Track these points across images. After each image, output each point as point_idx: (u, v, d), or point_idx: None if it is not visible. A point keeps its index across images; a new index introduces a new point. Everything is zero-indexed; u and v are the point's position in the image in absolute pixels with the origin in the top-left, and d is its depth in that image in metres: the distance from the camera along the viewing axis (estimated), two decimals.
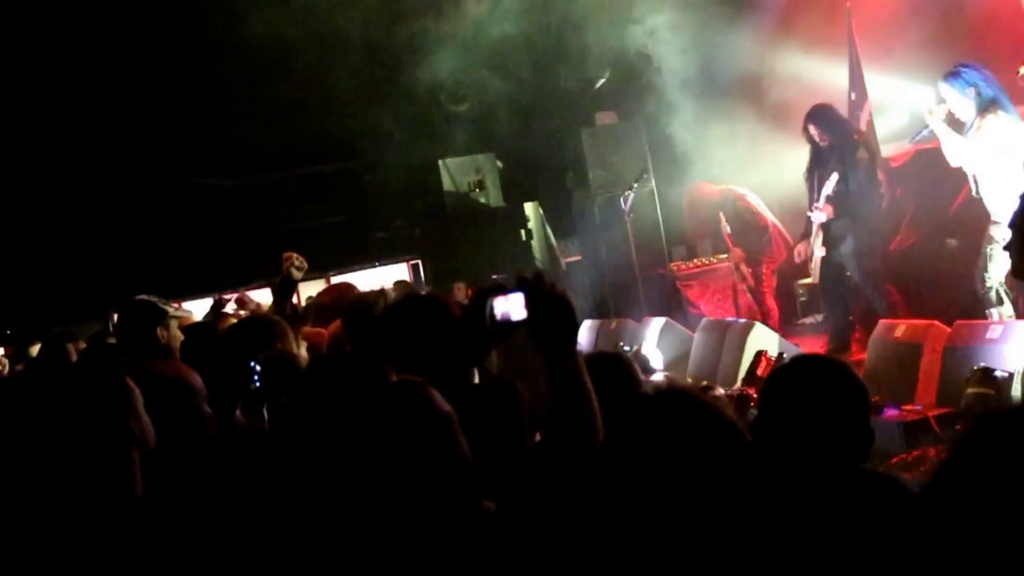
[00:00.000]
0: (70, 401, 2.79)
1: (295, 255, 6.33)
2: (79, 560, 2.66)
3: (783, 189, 12.15)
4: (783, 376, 3.14)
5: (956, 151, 8.10)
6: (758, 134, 12.56)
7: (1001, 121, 7.82)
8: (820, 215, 9.85)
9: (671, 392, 2.67)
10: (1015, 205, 5.81)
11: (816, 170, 9.99)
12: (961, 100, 7.96)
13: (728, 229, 12.43)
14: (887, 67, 11.81)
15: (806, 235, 10.25)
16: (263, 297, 12.30)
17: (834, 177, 9.64)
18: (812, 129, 9.91)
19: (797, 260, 10.61)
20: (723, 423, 2.48)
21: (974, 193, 8.15)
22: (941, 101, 8.15)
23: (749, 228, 12.38)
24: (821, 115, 9.98)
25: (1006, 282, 7.87)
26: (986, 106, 7.88)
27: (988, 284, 7.97)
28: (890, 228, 10.15)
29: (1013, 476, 1.55)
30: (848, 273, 10.01)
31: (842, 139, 9.94)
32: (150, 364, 5.04)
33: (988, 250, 7.88)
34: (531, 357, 2.99)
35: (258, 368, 4.09)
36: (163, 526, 2.81)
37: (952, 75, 8.03)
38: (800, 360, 3.26)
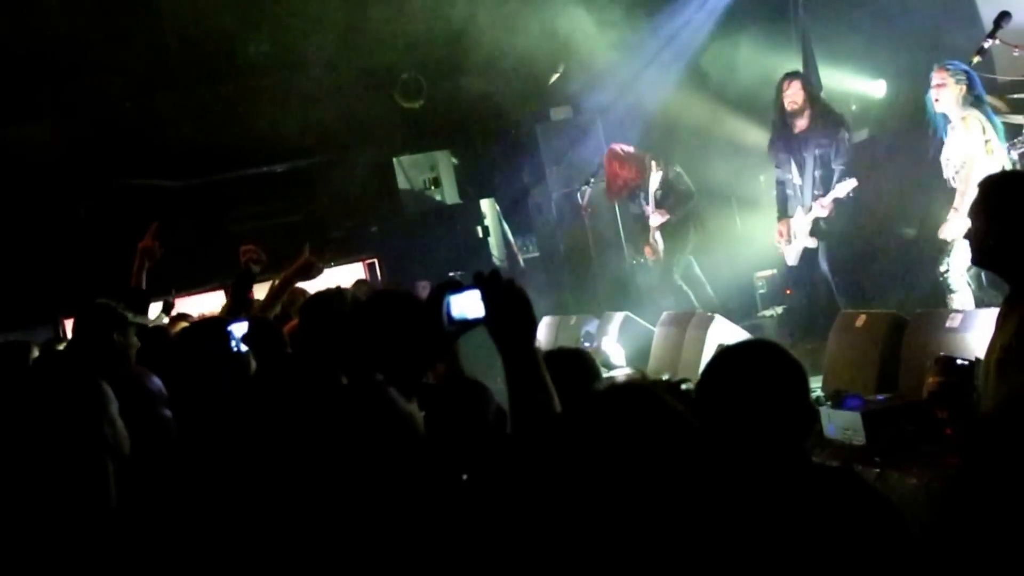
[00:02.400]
0: (45, 408, 2.74)
1: (253, 248, 6.20)
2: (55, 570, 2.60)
3: (734, 174, 12.11)
4: (715, 366, 3.08)
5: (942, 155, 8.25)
6: (715, 122, 12.53)
7: (984, 119, 7.97)
8: (821, 211, 9.56)
9: (622, 387, 2.65)
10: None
11: (791, 149, 9.82)
12: (952, 91, 8.05)
13: (656, 191, 11.72)
14: (839, 59, 11.82)
15: (784, 214, 10.03)
16: (218, 300, 12.18)
17: (851, 183, 9.36)
18: (796, 91, 9.68)
19: (779, 240, 10.20)
20: (676, 418, 2.44)
21: (948, 178, 8.23)
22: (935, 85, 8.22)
23: (678, 195, 11.68)
24: (806, 78, 9.84)
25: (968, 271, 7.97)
26: (973, 102, 8.02)
27: (949, 270, 8.05)
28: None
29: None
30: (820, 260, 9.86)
31: (826, 113, 9.78)
32: (108, 369, 4.93)
33: (950, 239, 7.98)
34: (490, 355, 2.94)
35: (236, 333, 4.05)
36: (136, 536, 2.75)
37: (949, 63, 8.13)
38: (731, 348, 3.21)
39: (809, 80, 9.92)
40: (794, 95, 9.70)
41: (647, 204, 11.81)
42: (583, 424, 2.45)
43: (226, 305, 6.24)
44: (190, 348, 4.29)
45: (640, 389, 2.55)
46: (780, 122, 9.93)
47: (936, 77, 8.12)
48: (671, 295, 11.58)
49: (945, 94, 8.09)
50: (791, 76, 9.87)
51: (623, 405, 2.42)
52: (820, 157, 9.63)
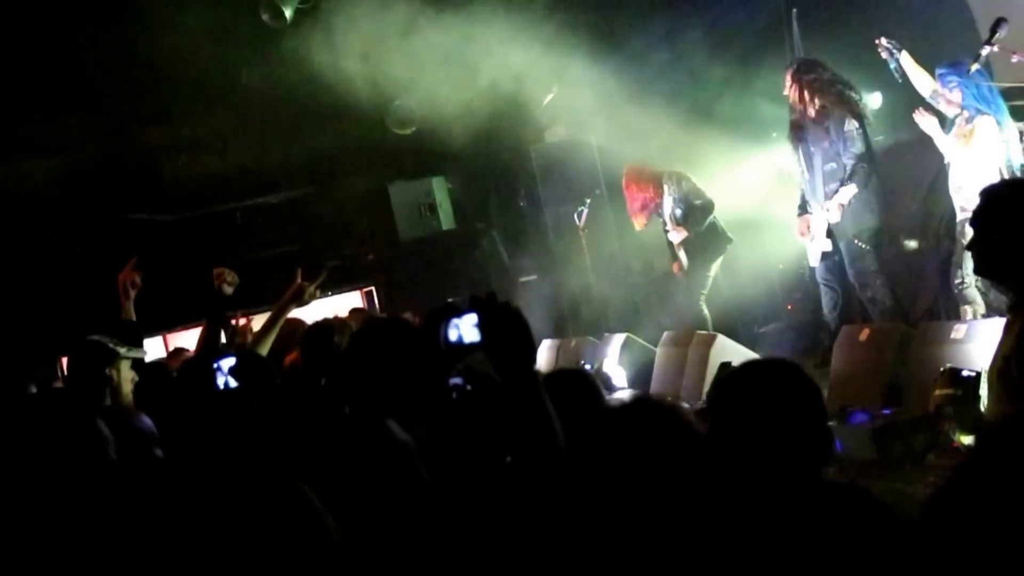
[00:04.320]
0: (42, 447, 2.72)
1: (226, 270, 6.16)
2: None
3: (730, 189, 12.02)
4: (731, 384, 2.99)
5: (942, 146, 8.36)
6: (704, 137, 12.45)
7: (988, 127, 8.02)
8: (829, 216, 9.18)
9: (640, 402, 2.63)
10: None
11: (800, 141, 9.45)
12: (949, 95, 8.10)
13: (672, 209, 11.34)
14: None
15: (804, 210, 9.58)
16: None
17: (850, 191, 9.02)
18: (788, 83, 9.35)
19: (802, 237, 9.70)
20: (692, 434, 2.46)
21: (950, 186, 8.31)
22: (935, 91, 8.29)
23: (695, 210, 11.24)
24: (809, 69, 9.40)
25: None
26: (977, 108, 8.07)
27: (965, 282, 7.99)
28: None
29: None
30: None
31: (835, 104, 9.30)
32: (100, 405, 4.89)
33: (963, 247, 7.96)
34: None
35: (224, 367, 4.00)
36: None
37: (949, 68, 8.15)
38: (747, 366, 3.13)
39: (810, 68, 9.44)
40: (788, 88, 9.40)
41: (666, 222, 11.49)
42: (602, 440, 2.43)
43: (201, 335, 6.15)
44: (176, 389, 4.25)
45: (656, 406, 2.53)
46: (791, 116, 9.61)
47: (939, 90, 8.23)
48: (692, 315, 11.14)
49: (944, 106, 8.23)
50: (787, 68, 9.60)
51: (641, 421, 2.40)
52: (827, 151, 9.27)
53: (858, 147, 9.13)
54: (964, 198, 8.08)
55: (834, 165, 9.22)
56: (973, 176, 7.95)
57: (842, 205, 9.10)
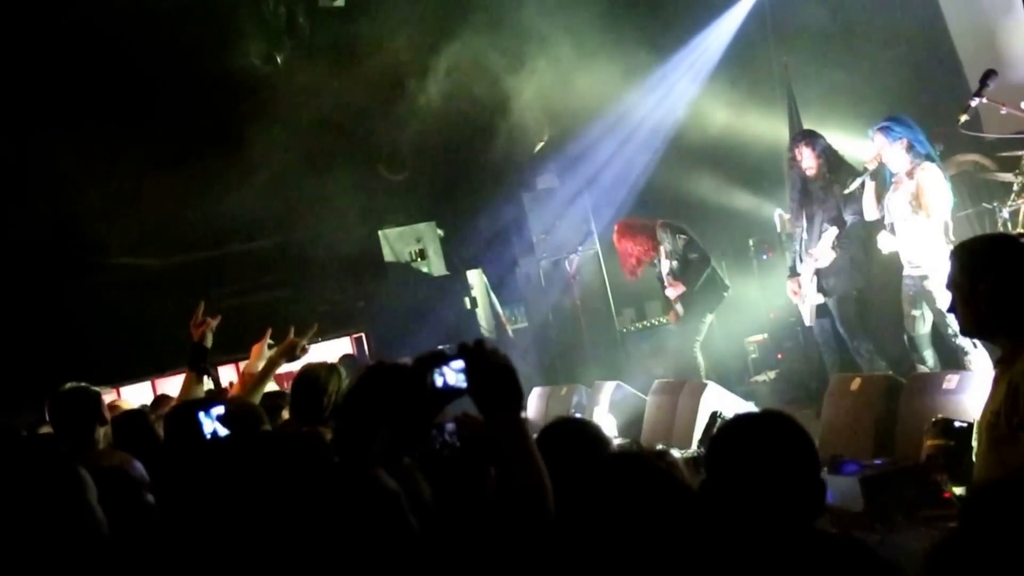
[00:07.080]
0: (22, 495, 2.69)
1: (208, 320, 6.09)
2: None
3: (722, 239, 12.03)
4: (726, 435, 2.99)
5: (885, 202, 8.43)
6: (702, 186, 12.49)
7: (932, 174, 8.06)
8: (814, 262, 9.32)
9: (623, 457, 2.62)
10: (940, 261, 6.43)
11: (805, 205, 9.53)
12: (892, 150, 8.11)
13: (669, 264, 11.20)
14: (824, 119, 11.85)
15: (794, 272, 9.74)
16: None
17: (833, 231, 9.13)
18: (805, 151, 9.38)
19: (792, 297, 9.85)
20: (677, 488, 2.48)
21: (888, 223, 8.39)
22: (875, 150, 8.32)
23: (692, 264, 11.10)
24: (817, 139, 9.47)
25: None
26: (918, 158, 8.11)
27: (954, 334, 7.93)
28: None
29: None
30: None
31: (835, 168, 9.41)
32: (91, 456, 4.81)
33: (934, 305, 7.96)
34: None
35: (205, 418, 3.97)
36: None
37: (884, 127, 8.16)
38: (742, 418, 3.13)
39: (814, 137, 9.57)
40: (807, 162, 9.41)
41: (664, 275, 11.36)
42: (589, 495, 2.40)
43: (184, 384, 6.05)
44: (165, 436, 4.22)
45: (636, 460, 2.51)
46: (796, 181, 9.66)
47: (876, 140, 8.24)
48: (686, 363, 11.06)
49: (886, 155, 8.25)
50: (800, 141, 9.60)
51: (620, 477, 2.39)
52: (829, 210, 9.35)
53: (855, 204, 9.12)
54: (913, 253, 8.20)
55: (833, 224, 9.28)
56: (922, 231, 8.08)
57: (828, 249, 9.19)
